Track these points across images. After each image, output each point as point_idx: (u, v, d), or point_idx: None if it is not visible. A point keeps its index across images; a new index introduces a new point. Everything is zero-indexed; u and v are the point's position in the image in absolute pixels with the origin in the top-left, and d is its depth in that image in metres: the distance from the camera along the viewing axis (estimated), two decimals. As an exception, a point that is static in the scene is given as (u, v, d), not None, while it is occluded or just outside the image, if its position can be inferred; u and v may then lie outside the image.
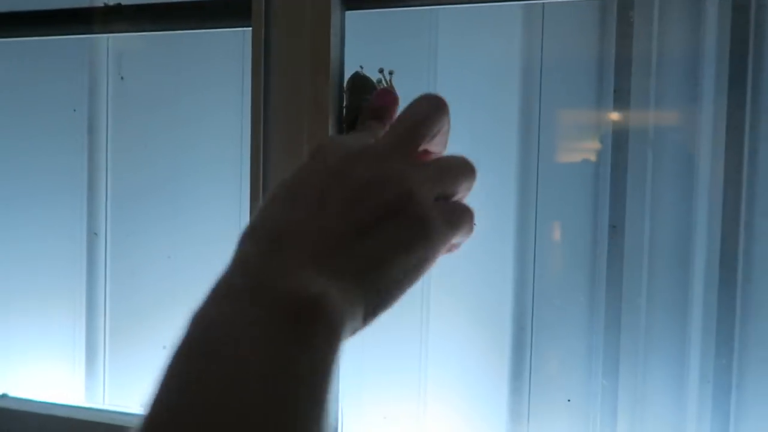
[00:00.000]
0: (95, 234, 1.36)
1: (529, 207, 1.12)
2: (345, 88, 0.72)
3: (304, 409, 0.29)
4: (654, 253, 1.07)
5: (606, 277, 1.09)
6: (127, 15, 1.16)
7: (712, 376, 1.05)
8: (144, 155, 1.33)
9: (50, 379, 1.38)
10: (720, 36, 1.04)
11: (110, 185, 1.36)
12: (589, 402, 1.11)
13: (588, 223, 1.10)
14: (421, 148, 0.44)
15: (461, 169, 0.45)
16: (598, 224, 1.10)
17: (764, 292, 1.03)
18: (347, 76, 0.73)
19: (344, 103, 0.71)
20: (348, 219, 0.34)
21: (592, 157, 1.10)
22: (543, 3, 1.10)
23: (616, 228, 1.08)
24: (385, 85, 0.71)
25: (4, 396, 1.34)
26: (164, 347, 1.26)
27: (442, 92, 1.15)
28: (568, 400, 1.11)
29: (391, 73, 0.72)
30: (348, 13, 0.86)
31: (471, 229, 0.46)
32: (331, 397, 0.31)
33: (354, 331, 0.35)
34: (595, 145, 1.10)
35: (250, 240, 0.35)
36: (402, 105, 0.57)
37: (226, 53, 1.25)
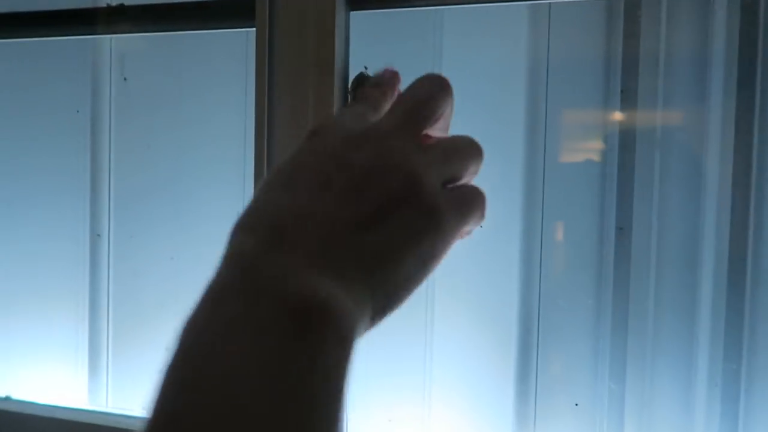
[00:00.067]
0: (98, 235, 1.36)
1: (535, 208, 1.11)
2: (349, 89, 0.71)
3: (318, 422, 0.27)
4: (661, 255, 1.06)
5: (613, 279, 1.08)
6: (131, 15, 1.16)
7: (721, 380, 1.04)
8: (147, 156, 1.32)
9: (53, 382, 1.37)
10: (729, 36, 1.03)
11: (113, 186, 1.35)
12: (595, 406, 1.10)
13: (594, 224, 1.09)
14: (424, 131, 0.41)
15: (468, 150, 0.42)
16: (604, 226, 1.09)
17: (773, 294, 1.02)
18: (352, 77, 0.73)
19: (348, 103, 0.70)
20: (352, 210, 0.32)
21: (599, 158, 1.09)
22: (549, 3, 1.09)
23: (623, 230, 1.07)
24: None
25: (7, 398, 1.34)
26: (168, 349, 1.26)
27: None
28: (576, 404, 1.10)
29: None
30: (352, 13, 0.85)
31: (483, 215, 0.42)
32: (344, 406, 0.29)
33: (362, 334, 0.32)
34: (601, 145, 1.09)
35: (246, 232, 0.32)
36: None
37: (229, 54, 1.25)
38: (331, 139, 0.35)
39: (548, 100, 1.10)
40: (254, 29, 0.86)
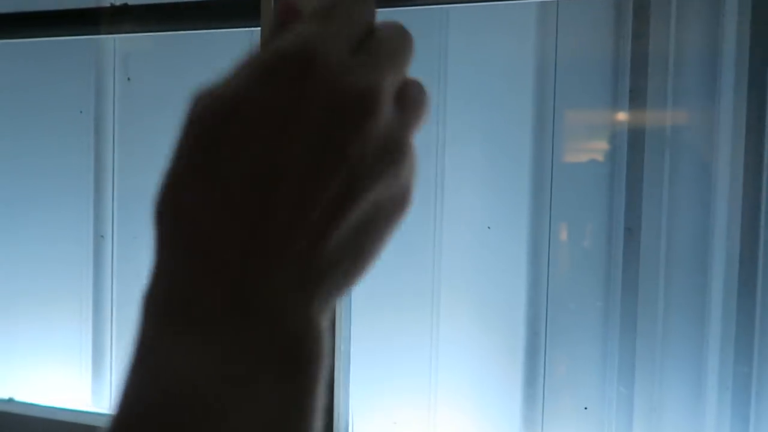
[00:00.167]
0: (102, 236, 1.36)
1: (543, 209, 1.10)
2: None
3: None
4: (671, 256, 1.05)
5: (621, 281, 1.07)
6: (135, 15, 1.15)
7: (731, 383, 1.03)
8: (151, 157, 1.32)
9: (56, 384, 1.37)
10: (740, 34, 1.01)
11: (117, 187, 1.35)
12: (604, 409, 1.09)
13: (603, 225, 1.08)
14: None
15: (405, 46, 0.30)
16: (613, 226, 1.07)
17: (785, 296, 1.01)
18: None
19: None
20: (335, 214, 0.26)
21: (608, 158, 1.08)
22: (557, 0, 1.08)
23: (631, 231, 1.06)
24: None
25: (11, 400, 1.33)
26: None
27: (453, 92, 1.13)
28: (585, 408, 1.09)
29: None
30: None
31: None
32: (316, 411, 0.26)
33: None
34: (610, 145, 1.08)
35: (210, 235, 0.25)
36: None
37: (233, 53, 1.24)
38: (315, 95, 0.26)
39: (556, 99, 1.09)
40: (259, 28, 0.85)
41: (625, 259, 1.07)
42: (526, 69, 1.10)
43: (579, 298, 1.10)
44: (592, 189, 1.09)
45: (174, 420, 0.24)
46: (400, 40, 0.29)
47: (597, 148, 1.09)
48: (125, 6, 1.22)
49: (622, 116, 1.08)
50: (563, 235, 1.11)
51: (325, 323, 0.26)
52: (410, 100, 0.29)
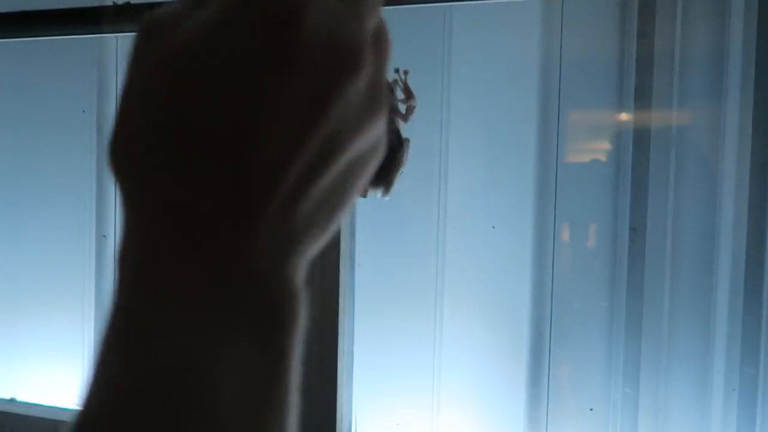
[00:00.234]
0: (104, 236, 1.35)
1: (548, 208, 1.10)
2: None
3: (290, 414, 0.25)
4: (676, 256, 1.04)
5: (626, 281, 1.06)
6: (137, 14, 1.15)
7: (738, 384, 1.02)
8: (153, 156, 1.31)
9: (58, 384, 1.36)
10: (746, 33, 1.01)
11: (119, 187, 1.34)
12: (609, 410, 1.08)
13: (608, 225, 1.08)
14: None
15: None
16: (618, 227, 1.07)
17: (792, 297, 1.00)
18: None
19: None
20: (317, 171, 0.24)
21: (613, 158, 1.08)
22: (562, -1, 1.07)
23: (636, 231, 1.05)
24: (401, 84, 0.68)
25: (12, 400, 1.33)
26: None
27: (457, 91, 1.13)
28: (591, 409, 1.08)
29: (406, 72, 0.70)
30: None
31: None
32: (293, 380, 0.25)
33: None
34: (615, 145, 1.08)
35: (182, 188, 0.23)
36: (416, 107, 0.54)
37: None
38: (300, 37, 0.24)
39: (561, 99, 1.08)
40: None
41: (630, 259, 1.06)
42: (530, 68, 1.10)
43: (584, 298, 1.09)
44: (597, 189, 1.08)
45: (154, 387, 0.23)
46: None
47: (602, 148, 1.09)
48: (127, 5, 1.22)
49: (627, 116, 1.07)
50: (568, 235, 1.10)
51: (300, 281, 0.25)
52: (382, 41, 0.27)
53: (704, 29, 1.03)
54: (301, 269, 0.25)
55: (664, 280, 1.04)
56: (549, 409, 1.11)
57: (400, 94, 0.64)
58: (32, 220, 1.39)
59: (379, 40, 0.26)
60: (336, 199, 0.26)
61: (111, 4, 1.24)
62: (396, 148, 0.52)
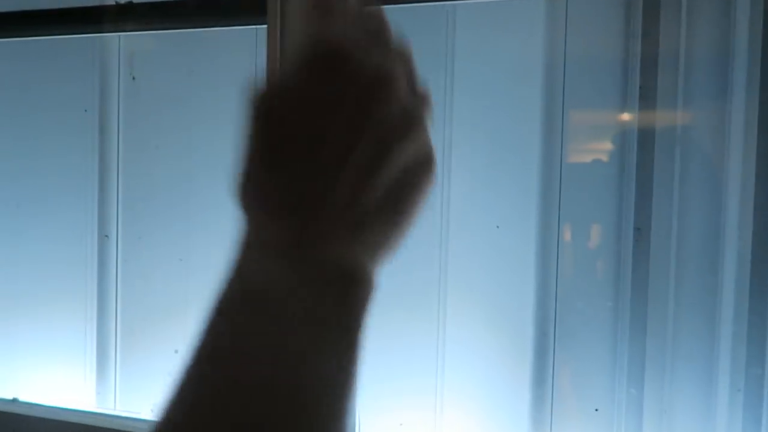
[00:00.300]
0: (106, 236, 1.35)
1: (552, 208, 1.09)
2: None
3: (342, 353, 0.32)
4: (681, 256, 1.04)
5: (631, 281, 1.06)
6: (139, 13, 1.15)
7: (743, 385, 1.01)
8: (156, 156, 1.31)
9: (61, 384, 1.36)
10: (751, 32, 1.00)
11: (121, 186, 1.34)
12: (613, 411, 1.08)
13: (612, 225, 1.07)
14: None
15: (407, 46, 0.38)
16: (622, 226, 1.06)
17: (797, 297, 1.00)
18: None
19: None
20: (371, 171, 0.33)
21: (617, 158, 1.07)
22: (566, -2, 1.07)
23: (641, 231, 1.05)
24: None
25: (15, 401, 1.33)
26: (176, 351, 1.25)
27: (460, 90, 1.13)
28: (596, 410, 1.08)
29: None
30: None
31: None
32: (360, 353, 0.32)
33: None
34: (619, 145, 1.07)
35: (277, 194, 0.34)
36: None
37: (238, 51, 1.23)
38: (348, 79, 0.34)
39: (565, 98, 1.08)
40: (266, 26, 0.84)
41: (634, 259, 1.06)
42: (534, 68, 1.09)
43: (588, 298, 1.09)
44: (601, 189, 1.08)
45: (251, 302, 0.32)
46: (404, 47, 0.37)
47: (606, 148, 1.08)
48: (130, 4, 1.22)
49: (631, 115, 1.07)
50: (572, 235, 1.10)
51: (373, 267, 0.34)
52: (419, 88, 0.36)
53: (709, 28, 1.02)
54: (368, 253, 0.33)
55: (668, 280, 1.04)
56: (553, 409, 1.10)
57: None
58: (34, 220, 1.39)
59: (416, 86, 0.36)
60: (396, 199, 0.34)
61: (113, 3, 1.24)
62: None
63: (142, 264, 1.33)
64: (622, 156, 1.07)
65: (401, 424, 1.17)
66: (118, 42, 1.33)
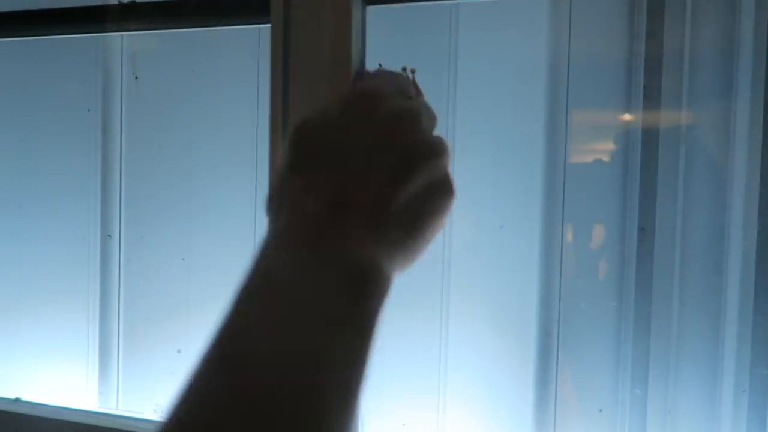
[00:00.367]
0: (109, 236, 1.35)
1: (556, 208, 1.09)
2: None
3: (356, 351, 0.33)
4: (686, 256, 1.04)
5: (635, 281, 1.06)
6: (142, 13, 1.14)
7: (748, 385, 1.01)
8: (158, 155, 1.31)
9: (63, 383, 1.36)
10: (756, 31, 1.00)
11: (124, 186, 1.34)
12: (617, 412, 1.07)
13: (616, 225, 1.07)
14: None
15: (431, 110, 0.45)
16: (626, 227, 1.06)
17: (802, 297, 0.99)
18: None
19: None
20: (396, 181, 0.37)
21: (621, 157, 1.07)
22: (570, -3, 1.06)
23: (645, 231, 1.05)
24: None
25: (17, 400, 1.33)
26: (179, 351, 1.24)
27: (463, 89, 1.12)
28: (600, 410, 1.07)
29: (413, 71, 0.69)
30: (368, 8, 0.83)
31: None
32: (372, 353, 0.34)
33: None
34: (623, 144, 1.07)
35: (308, 196, 0.36)
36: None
37: (240, 51, 1.23)
38: (380, 111, 0.39)
39: (569, 98, 1.08)
40: (269, 25, 0.84)
41: (638, 259, 1.05)
42: (538, 67, 1.09)
43: (592, 298, 1.08)
44: (605, 188, 1.07)
45: (271, 289, 0.33)
46: (429, 106, 0.43)
47: (610, 148, 1.08)
48: (132, 3, 1.21)
49: (635, 115, 1.06)
50: (576, 235, 1.10)
51: (389, 271, 0.36)
52: (438, 137, 0.42)
53: (714, 28, 1.02)
54: (386, 257, 0.36)
55: (673, 280, 1.04)
56: (557, 410, 1.10)
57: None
58: (36, 219, 1.39)
59: (432, 121, 0.42)
60: (416, 212, 0.38)
61: (116, 3, 1.24)
62: None
63: (144, 264, 1.33)
64: (625, 156, 1.07)
65: (404, 425, 1.17)
66: (121, 41, 1.33)
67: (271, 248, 0.36)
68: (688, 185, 1.03)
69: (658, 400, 1.05)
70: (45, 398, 1.31)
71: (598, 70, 1.08)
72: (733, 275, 1.02)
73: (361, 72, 0.69)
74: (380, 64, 0.68)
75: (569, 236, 1.09)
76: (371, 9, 0.87)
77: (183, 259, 1.30)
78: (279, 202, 0.37)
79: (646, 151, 1.05)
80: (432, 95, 0.52)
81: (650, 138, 1.05)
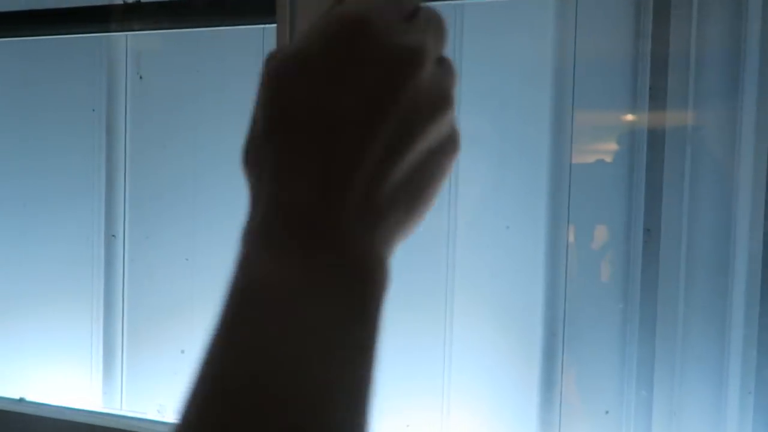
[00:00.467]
0: (113, 236, 1.35)
1: (561, 209, 1.09)
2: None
3: (369, 362, 0.30)
4: (691, 257, 1.03)
5: (641, 282, 1.05)
6: (147, 13, 1.15)
7: (754, 387, 1.01)
8: (163, 155, 1.31)
9: (67, 383, 1.36)
10: (763, 31, 1.00)
11: (128, 186, 1.34)
12: (622, 413, 1.07)
13: (622, 225, 1.06)
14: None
15: (442, 23, 0.34)
16: (632, 228, 1.06)
17: (808, 299, 0.99)
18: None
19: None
20: (394, 152, 0.30)
21: (627, 158, 1.06)
22: (576, -2, 1.06)
23: (651, 232, 1.04)
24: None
25: (21, 400, 1.33)
26: (183, 351, 1.24)
27: (468, 91, 1.12)
28: (606, 412, 1.07)
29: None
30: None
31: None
32: (378, 347, 0.30)
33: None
34: (629, 145, 1.06)
35: (290, 178, 0.30)
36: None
37: (245, 51, 1.23)
38: (371, 49, 0.30)
39: (575, 98, 1.07)
40: (274, 25, 0.84)
41: (644, 260, 1.05)
42: (543, 68, 1.09)
43: (597, 299, 1.08)
44: (610, 189, 1.07)
45: (257, 307, 0.29)
46: (438, 19, 0.33)
47: (616, 148, 1.08)
48: (137, 3, 1.22)
49: (641, 116, 1.06)
50: (581, 236, 1.09)
51: (388, 258, 0.31)
52: (448, 67, 0.33)
53: (720, 28, 1.02)
54: (385, 243, 0.30)
55: (678, 281, 1.03)
56: (562, 411, 1.10)
57: None
58: (41, 219, 1.39)
59: (445, 65, 0.33)
60: (417, 185, 0.31)
61: (120, 2, 1.24)
62: None
63: (148, 264, 1.33)
64: (631, 156, 1.06)
65: (408, 426, 1.17)
66: (126, 41, 1.33)
67: (254, 247, 0.30)
68: (693, 186, 1.03)
69: (664, 402, 1.04)
70: (49, 398, 1.31)
71: (603, 70, 1.07)
72: (739, 276, 1.01)
73: None
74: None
75: (575, 237, 1.09)
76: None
77: (187, 259, 1.29)
78: (257, 166, 0.31)
79: (652, 152, 1.04)
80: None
81: (656, 138, 1.04)
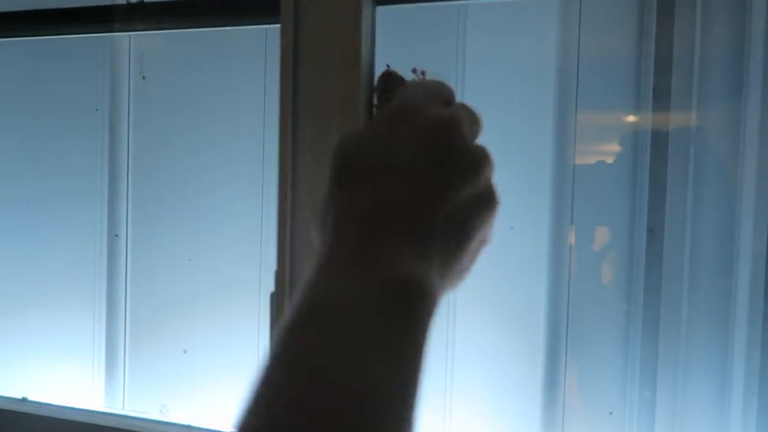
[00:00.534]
0: (116, 236, 1.35)
1: (565, 210, 1.09)
2: (375, 87, 0.69)
3: (415, 380, 0.34)
4: (695, 258, 1.03)
5: (644, 283, 1.05)
6: (150, 12, 1.14)
7: (758, 388, 1.01)
8: (166, 155, 1.31)
9: (70, 383, 1.36)
10: (767, 31, 0.99)
11: (131, 186, 1.34)
12: (625, 414, 1.07)
13: (625, 226, 1.06)
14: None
15: (475, 113, 0.44)
16: (635, 228, 1.06)
17: (812, 300, 0.99)
18: (378, 72, 0.70)
19: (374, 102, 0.68)
20: (436, 192, 0.37)
21: (630, 159, 1.06)
22: (579, -2, 1.06)
23: (654, 232, 1.04)
24: (418, 84, 0.68)
25: (24, 400, 1.33)
26: (185, 351, 1.24)
27: (470, 91, 1.12)
28: (610, 413, 1.07)
29: (423, 73, 0.69)
30: (378, 9, 0.83)
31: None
32: (426, 360, 0.35)
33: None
34: (632, 146, 1.06)
35: (348, 214, 0.37)
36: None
37: (248, 51, 1.23)
38: (419, 122, 0.39)
39: (578, 99, 1.07)
40: (278, 25, 0.84)
41: (647, 261, 1.05)
42: (547, 68, 1.09)
43: (600, 300, 1.08)
44: (614, 190, 1.07)
45: (317, 317, 0.33)
46: (471, 109, 0.42)
47: (619, 149, 1.08)
48: (140, 3, 1.22)
49: (645, 116, 1.06)
50: (585, 237, 1.09)
51: (435, 286, 0.36)
52: (481, 147, 0.41)
53: (724, 28, 1.02)
54: (432, 273, 0.36)
55: (682, 282, 1.03)
56: (565, 412, 1.09)
57: None
58: (44, 219, 1.39)
59: (475, 125, 0.42)
60: (460, 225, 0.38)
61: (123, 2, 1.24)
62: None
63: (151, 264, 1.33)
64: (635, 157, 1.06)
65: (411, 426, 1.17)
66: (129, 41, 1.33)
67: (315, 272, 0.36)
68: (697, 187, 1.03)
69: (668, 403, 1.04)
70: (51, 398, 1.31)
71: (607, 71, 1.07)
72: (743, 277, 1.01)
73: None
74: (388, 65, 0.68)
75: (578, 238, 1.09)
76: (380, 10, 0.87)
77: (190, 259, 1.29)
78: (326, 220, 0.38)
79: (656, 153, 1.04)
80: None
81: (659, 139, 1.04)
